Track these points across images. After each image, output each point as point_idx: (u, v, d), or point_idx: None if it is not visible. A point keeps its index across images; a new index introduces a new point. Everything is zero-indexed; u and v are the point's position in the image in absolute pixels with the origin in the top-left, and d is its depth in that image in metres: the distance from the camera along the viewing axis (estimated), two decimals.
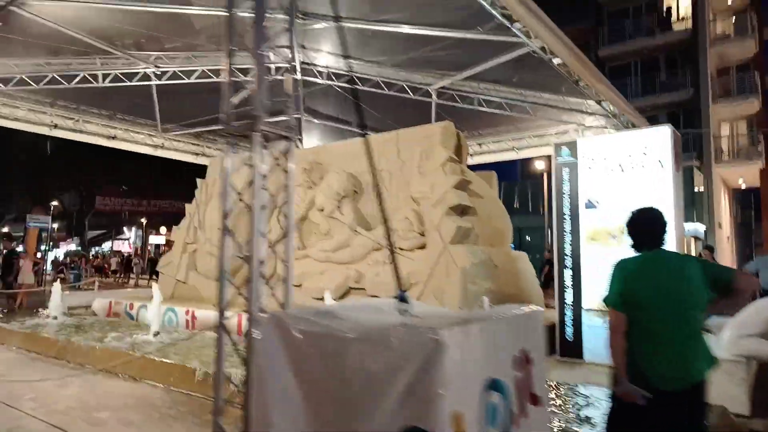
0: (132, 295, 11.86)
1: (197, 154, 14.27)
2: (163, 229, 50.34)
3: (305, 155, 10.25)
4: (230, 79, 3.33)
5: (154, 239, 49.05)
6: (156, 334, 7.74)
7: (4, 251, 9.32)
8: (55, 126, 11.42)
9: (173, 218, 49.84)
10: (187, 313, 9.20)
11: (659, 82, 23.49)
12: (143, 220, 47.23)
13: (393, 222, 8.43)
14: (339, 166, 9.57)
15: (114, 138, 12.51)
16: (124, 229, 53.57)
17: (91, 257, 38.69)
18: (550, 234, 12.59)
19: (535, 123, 11.98)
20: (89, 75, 9.85)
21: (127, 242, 53.45)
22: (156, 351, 6.61)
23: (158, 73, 10.16)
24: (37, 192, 40.70)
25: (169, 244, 49.82)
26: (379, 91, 10.89)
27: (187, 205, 11.90)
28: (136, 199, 43.59)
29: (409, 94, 10.86)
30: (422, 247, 7.85)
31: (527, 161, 21.72)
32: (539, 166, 20.01)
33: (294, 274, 9.05)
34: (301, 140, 15.04)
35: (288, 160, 3.52)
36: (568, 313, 6.70)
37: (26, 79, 9.60)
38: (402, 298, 2.40)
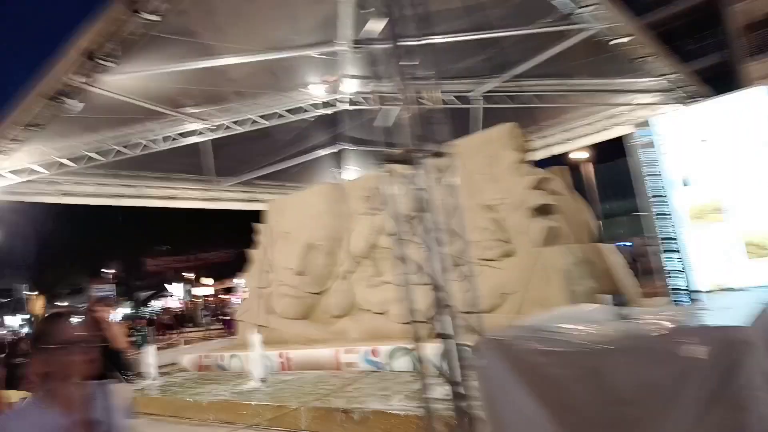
0: (217, 347, 12.01)
1: (249, 201, 14.47)
2: (208, 281, 51.42)
3: (362, 184, 10.24)
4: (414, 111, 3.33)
5: (197, 291, 50.03)
6: (263, 380, 7.68)
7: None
8: (121, 196, 11.76)
9: (217, 269, 50.60)
10: (280, 356, 9.16)
11: (686, 50, 22.83)
12: (190, 275, 48.18)
13: (469, 233, 8.28)
14: (399, 188, 9.49)
15: (172, 198, 12.80)
16: (166, 286, 54.82)
17: (154, 317, 39.55)
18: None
19: (581, 111, 11.75)
20: (150, 141, 10.13)
21: (172, 298, 54.68)
22: (271, 397, 6.56)
23: (212, 127, 10.37)
24: (87, 263, 42.15)
25: (217, 293, 50.67)
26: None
27: (252, 252, 12.01)
28: (182, 255, 44.57)
29: (457, 104, 10.78)
30: (509, 255, 7.65)
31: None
32: (578, 155, 19.39)
33: (375, 301, 8.97)
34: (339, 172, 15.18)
35: (452, 174, 3.54)
36: (685, 299, 6.35)
37: (94, 156, 9.93)
38: (620, 302, 2.24)
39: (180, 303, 53.26)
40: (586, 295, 7.18)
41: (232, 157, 12.41)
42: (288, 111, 10.55)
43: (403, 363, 7.34)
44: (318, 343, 9.55)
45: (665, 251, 6.55)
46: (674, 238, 6.45)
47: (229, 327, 19.15)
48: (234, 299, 47.03)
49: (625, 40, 6.87)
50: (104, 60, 6.14)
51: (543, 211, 7.64)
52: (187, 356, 11.29)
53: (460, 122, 11.75)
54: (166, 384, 9.12)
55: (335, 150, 13.86)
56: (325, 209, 10.62)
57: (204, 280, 47.90)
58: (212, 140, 11.22)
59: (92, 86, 6.66)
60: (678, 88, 9.09)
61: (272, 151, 13.04)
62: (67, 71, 6.18)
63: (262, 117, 10.46)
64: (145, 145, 10.09)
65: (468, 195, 8.57)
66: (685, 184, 6.40)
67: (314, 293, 10.65)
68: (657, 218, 6.58)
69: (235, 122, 10.45)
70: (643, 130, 6.85)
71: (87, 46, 6.15)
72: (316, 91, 10.38)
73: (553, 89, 10.48)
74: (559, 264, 7.00)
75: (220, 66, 8.43)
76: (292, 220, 11.10)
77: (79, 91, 6.58)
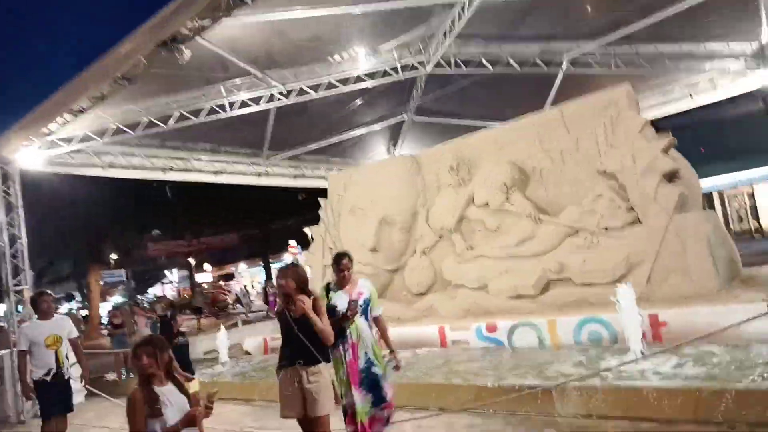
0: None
1: (296, 176, 13.81)
2: (207, 266, 50.50)
3: (446, 153, 9.64)
4: None
5: (200, 278, 49.12)
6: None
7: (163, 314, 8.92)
8: (171, 169, 11.03)
9: (220, 253, 49.47)
10: None
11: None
12: (191, 260, 47.14)
13: (585, 203, 7.80)
14: (491, 158, 8.95)
15: (220, 173, 12.10)
16: (166, 272, 53.66)
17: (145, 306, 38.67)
18: None
19: (660, 79, 11.31)
20: (216, 106, 9.41)
21: (170, 285, 53.65)
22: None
23: (284, 92, 9.65)
24: (84, 246, 40.78)
25: (216, 281, 49.79)
26: (509, 71, 10.23)
27: (313, 228, 11.39)
28: (185, 239, 43.37)
29: (543, 67, 10.20)
30: (634, 222, 7.17)
31: None
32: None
33: (471, 276, 8.46)
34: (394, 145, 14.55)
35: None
36: None
37: (155, 121, 9.19)
38: None
39: (174, 290, 52.41)
40: (724, 263, 6.78)
41: (289, 129, 11.72)
42: (367, 75, 9.86)
43: (527, 338, 6.87)
44: (402, 322, 9.04)
45: None
46: None
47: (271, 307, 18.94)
48: (234, 285, 46.36)
49: None
50: None
51: (669, 176, 7.18)
52: (248, 340, 10.71)
53: (532, 92, 11.25)
54: (245, 369, 8.58)
55: (393, 122, 13.15)
56: (401, 183, 10.03)
57: (207, 266, 46.98)
58: (275, 109, 10.56)
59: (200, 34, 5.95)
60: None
61: (327, 123, 12.36)
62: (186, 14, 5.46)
63: (339, 81, 9.76)
64: (212, 110, 9.35)
65: (576, 164, 8.11)
66: None
67: (389, 270, 10.11)
68: None
69: (309, 87, 9.73)
70: None
71: None
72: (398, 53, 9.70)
73: (631, 55, 10.00)
74: (701, 231, 6.54)
75: (310, 17, 7.73)
76: (361, 195, 10.49)
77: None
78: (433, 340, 7.83)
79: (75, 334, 5.48)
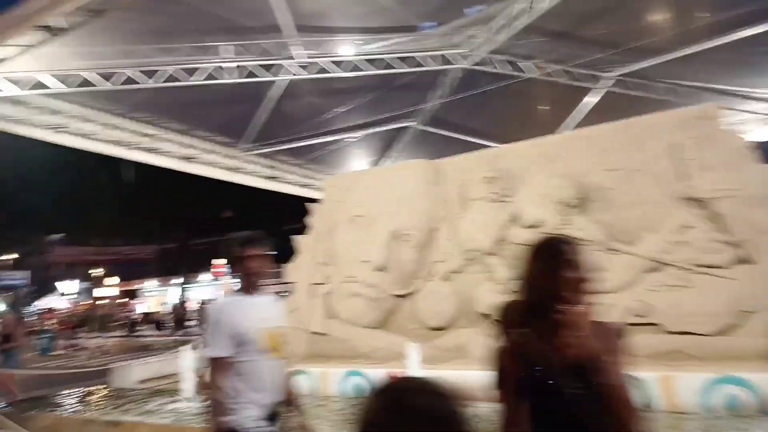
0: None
1: (270, 178, 11.74)
2: (114, 280, 45.19)
3: (478, 162, 8.21)
4: None
5: (101, 292, 43.83)
6: None
7: None
8: (136, 146, 8.64)
9: (130, 266, 44.71)
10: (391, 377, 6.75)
11: None
12: (97, 271, 41.82)
13: (667, 233, 6.61)
14: (537, 171, 7.64)
15: (191, 160, 9.83)
16: (63, 282, 47.44)
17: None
18: None
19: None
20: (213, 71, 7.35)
21: (62, 297, 47.36)
22: None
23: (305, 63, 7.76)
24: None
25: (124, 296, 44.76)
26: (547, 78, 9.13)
27: (300, 238, 9.38)
28: (94, 246, 38.35)
29: (589, 83, 9.19)
30: (744, 261, 6.03)
31: None
32: None
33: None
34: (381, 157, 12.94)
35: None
36: None
37: (132, 77, 6.95)
38: None
39: (70, 303, 46.29)
40: None
41: (279, 118, 9.81)
42: (401, 58, 8.21)
43: None
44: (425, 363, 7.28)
45: None
46: None
47: None
48: (137, 304, 41.80)
49: None
50: None
51: None
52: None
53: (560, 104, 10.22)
54: None
55: (388, 129, 11.58)
56: (418, 192, 8.43)
57: (113, 280, 41.73)
58: (239, 95, 8.72)
59: None
60: None
61: (317, 120, 10.58)
62: None
63: (369, 61, 8.04)
64: (210, 75, 7.31)
65: (652, 183, 6.97)
66: None
67: (397, 295, 8.34)
68: None
69: (334, 63, 7.92)
70: None
71: None
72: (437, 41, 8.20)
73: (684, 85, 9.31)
74: None
75: None
76: (367, 202, 8.75)
77: None
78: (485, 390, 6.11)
79: None
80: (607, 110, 8.98)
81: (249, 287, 2.63)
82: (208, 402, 2.42)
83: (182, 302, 34.52)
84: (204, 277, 39.35)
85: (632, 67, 9.02)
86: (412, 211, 8.34)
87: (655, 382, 5.29)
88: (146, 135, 8.87)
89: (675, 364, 5.72)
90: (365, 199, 8.81)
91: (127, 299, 42.94)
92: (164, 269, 40.19)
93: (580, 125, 9.69)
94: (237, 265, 2.60)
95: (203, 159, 10.09)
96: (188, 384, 6.89)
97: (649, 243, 6.59)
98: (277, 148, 10.81)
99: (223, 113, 9.39)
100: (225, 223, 42.46)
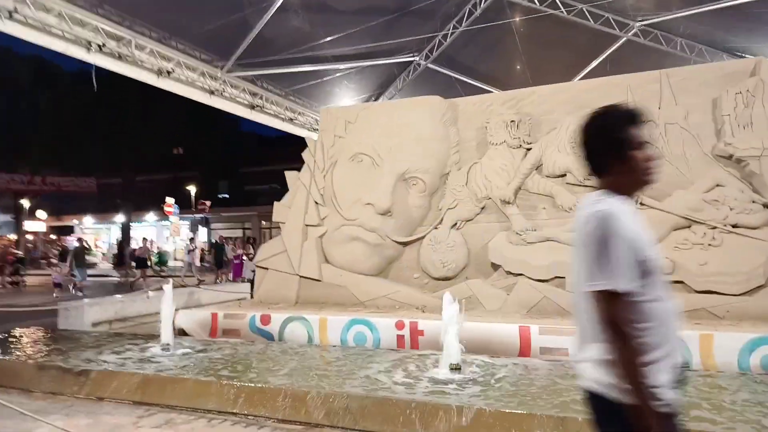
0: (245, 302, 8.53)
1: (253, 107, 10.62)
2: (41, 213, 41.92)
3: (499, 104, 7.58)
4: None
5: (30, 226, 40.67)
6: (455, 367, 4.72)
7: None
8: (99, 48, 7.32)
9: (62, 199, 41.44)
10: (399, 326, 6.23)
11: None
12: (24, 202, 38.49)
13: (699, 190, 6.31)
14: (564, 118, 7.13)
15: (165, 75, 8.59)
16: None
17: None
18: None
19: None
20: None
21: None
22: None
23: None
24: None
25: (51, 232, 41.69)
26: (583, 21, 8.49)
27: (292, 175, 8.48)
28: (23, 174, 34.99)
29: (615, 29, 8.62)
30: None
31: None
32: None
33: (536, 264, 6.57)
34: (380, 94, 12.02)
35: None
36: None
37: None
38: None
39: None
40: None
41: (274, 34, 8.71)
42: None
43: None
44: (416, 312, 6.85)
45: None
46: None
47: (236, 273, 15.69)
48: (69, 240, 39.13)
49: None
50: None
51: None
52: (183, 313, 7.48)
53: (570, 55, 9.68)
54: (221, 357, 5.56)
55: (390, 63, 10.61)
56: (432, 131, 7.74)
57: (41, 214, 38.50)
58: None
59: None
60: None
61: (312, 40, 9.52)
62: None
63: None
64: None
65: (688, 139, 6.61)
66: None
67: (400, 242, 7.75)
68: None
69: None
70: None
71: None
72: None
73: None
74: None
75: None
76: (372, 139, 7.97)
77: None
78: (511, 346, 5.69)
79: None
80: (622, 63, 8.46)
81: (636, 191, 1.78)
82: (617, 368, 1.51)
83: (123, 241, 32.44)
84: (150, 216, 37.09)
85: (659, 17, 8.57)
86: (424, 152, 7.67)
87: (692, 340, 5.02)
88: (115, 37, 7.57)
89: (700, 322, 5.54)
90: (370, 135, 8.03)
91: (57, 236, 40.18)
92: (104, 206, 37.57)
93: (590, 75, 9.16)
94: (614, 158, 1.74)
95: (180, 75, 8.85)
96: (167, 328, 6.03)
97: (681, 200, 6.29)
98: (263, 72, 9.69)
99: (209, 24, 8.20)
100: (175, 161, 39.98)
